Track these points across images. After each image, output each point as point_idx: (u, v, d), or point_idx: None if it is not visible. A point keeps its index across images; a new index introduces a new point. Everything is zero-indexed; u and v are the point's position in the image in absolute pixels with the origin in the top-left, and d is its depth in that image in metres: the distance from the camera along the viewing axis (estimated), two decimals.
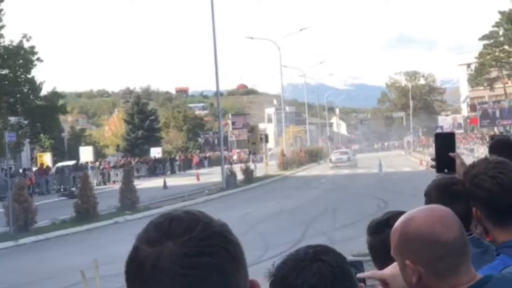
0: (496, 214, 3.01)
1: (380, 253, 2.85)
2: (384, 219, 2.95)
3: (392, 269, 2.58)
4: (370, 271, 2.70)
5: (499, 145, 4.90)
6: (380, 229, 2.92)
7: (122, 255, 1.61)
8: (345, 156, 71.23)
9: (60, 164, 63.42)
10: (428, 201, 3.41)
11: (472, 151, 66.63)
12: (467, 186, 3.26)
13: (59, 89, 62.70)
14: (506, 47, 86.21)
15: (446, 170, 3.84)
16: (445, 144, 4.04)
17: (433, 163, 4.09)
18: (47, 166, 59.37)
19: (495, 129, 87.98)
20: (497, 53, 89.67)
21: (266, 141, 64.26)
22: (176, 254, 1.49)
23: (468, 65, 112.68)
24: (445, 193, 3.35)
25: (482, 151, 56.08)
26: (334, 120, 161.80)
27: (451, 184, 3.46)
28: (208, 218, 1.59)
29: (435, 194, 3.42)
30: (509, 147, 4.73)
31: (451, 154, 3.96)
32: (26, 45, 48.90)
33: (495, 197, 3.06)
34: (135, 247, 1.56)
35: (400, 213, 2.88)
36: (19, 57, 48.77)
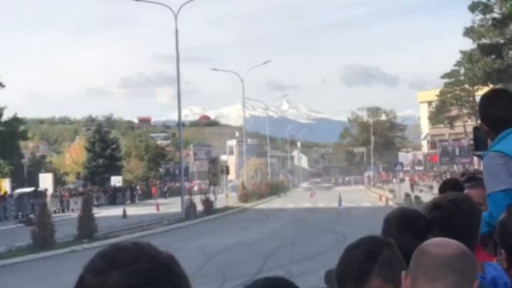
0: (451, 238, 3.06)
1: None
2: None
3: None
4: None
5: (447, 185, 5.01)
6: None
7: None
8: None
9: (19, 191, 62.71)
10: (386, 227, 3.42)
11: (431, 188, 67.14)
12: (428, 211, 3.36)
13: (21, 115, 62.45)
14: (466, 86, 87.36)
15: None
16: None
17: None
18: (6, 192, 58.71)
19: (454, 167, 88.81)
20: (457, 92, 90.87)
21: (227, 172, 64.20)
22: (121, 284, 1.49)
23: (430, 103, 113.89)
24: (405, 225, 3.36)
25: None
26: (295, 153, 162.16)
27: (414, 217, 3.47)
28: (155, 249, 1.59)
29: (395, 223, 3.41)
30: (456, 185, 4.84)
31: None
32: None
33: (451, 217, 3.16)
34: (81, 277, 1.56)
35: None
36: None
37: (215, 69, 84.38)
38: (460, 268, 2.33)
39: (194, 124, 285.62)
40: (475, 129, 5.16)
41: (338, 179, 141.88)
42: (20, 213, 53.39)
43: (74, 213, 48.43)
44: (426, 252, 2.32)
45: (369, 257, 2.57)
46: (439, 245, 2.36)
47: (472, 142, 5.23)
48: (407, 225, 3.36)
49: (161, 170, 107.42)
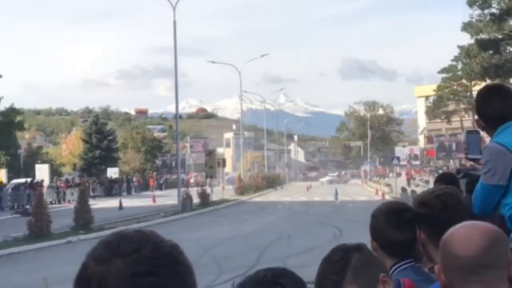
0: (439, 234, 3.04)
1: None
2: None
3: None
4: None
5: (443, 178, 5.05)
6: None
7: (73, 275, 1.59)
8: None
9: (15, 181, 62.59)
10: (374, 223, 3.44)
11: (427, 183, 67.20)
12: (415, 207, 3.38)
13: (17, 106, 62.26)
14: (464, 81, 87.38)
15: None
16: None
17: None
18: (1, 183, 58.58)
19: (451, 162, 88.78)
20: (455, 87, 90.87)
21: (224, 165, 64.18)
22: (124, 273, 1.48)
23: (427, 98, 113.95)
24: (393, 218, 3.37)
25: None
26: (292, 146, 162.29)
27: (400, 210, 3.48)
28: (159, 238, 1.58)
29: (383, 218, 3.42)
30: (451, 180, 4.87)
31: None
32: None
33: (438, 214, 3.17)
34: (83, 265, 1.55)
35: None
36: None
37: (213, 62, 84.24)
38: (494, 260, 2.22)
39: (191, 116, 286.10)
40: (468, 133, 5.18)
41: (334, 173, 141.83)
42: (16, 204, 53.32)
43: (70, 204, 48.43)
44: (452, 254, 2.24)
45: (340, 266, 2.58)
46: (464, 242, 2.23)
47: (465, 146, 5.23)
48: (395, 219, 3.39)
49: (158, 162, 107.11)
